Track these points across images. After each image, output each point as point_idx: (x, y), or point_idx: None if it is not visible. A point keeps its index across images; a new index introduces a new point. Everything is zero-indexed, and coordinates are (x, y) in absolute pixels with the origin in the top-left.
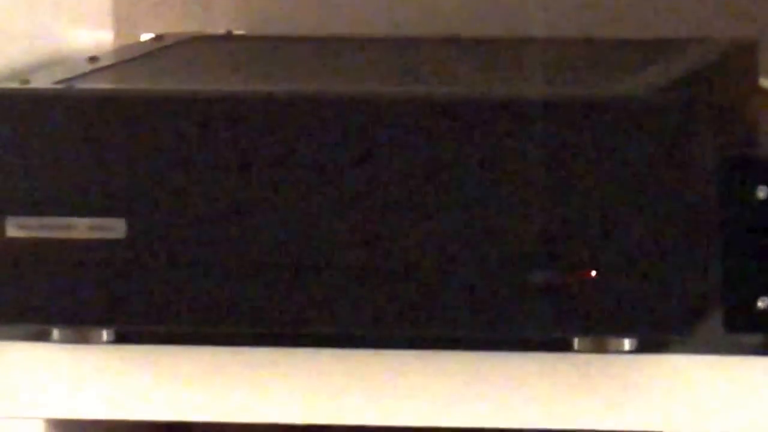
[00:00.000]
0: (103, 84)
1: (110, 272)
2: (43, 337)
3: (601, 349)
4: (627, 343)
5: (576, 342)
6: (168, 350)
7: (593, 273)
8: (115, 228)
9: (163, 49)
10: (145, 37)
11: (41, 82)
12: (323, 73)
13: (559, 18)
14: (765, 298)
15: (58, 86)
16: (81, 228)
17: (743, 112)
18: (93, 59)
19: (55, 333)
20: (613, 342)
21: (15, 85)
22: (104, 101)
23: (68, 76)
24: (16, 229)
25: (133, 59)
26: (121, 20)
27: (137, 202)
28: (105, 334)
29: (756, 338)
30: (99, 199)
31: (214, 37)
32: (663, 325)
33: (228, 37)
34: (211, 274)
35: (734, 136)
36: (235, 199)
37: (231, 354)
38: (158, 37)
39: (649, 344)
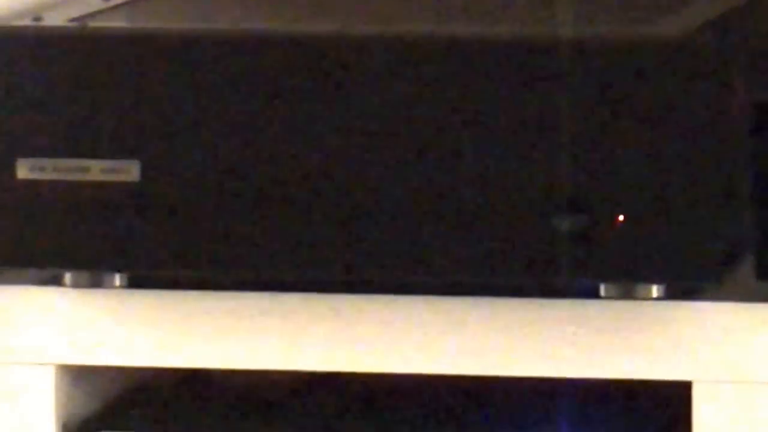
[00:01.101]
0: (117, 22)
1: (123, 216)
2: (54, 281)
3: (628, 295)
4: (655, 290)
5: (603, 288)
6: (182, 295)
7: (621, 218)
8: (128, 170)
9: None
10: None
11: (54, 20)
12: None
13: None
14: None
15: (72, 24)
16: (94, 170)
17: None
18: None
19: (67, 277)
20: (640, 288)
21: (27, 22)
22: (118, 40)
23: (82, 13)
24: (27, 171)
25: None
26: None
27: (151, 145)
28: (118, 279)
29: None
30: (112, 141)
31: None
32: (692, 271)
33: None
34: (225, 218)
35: None
36: (250, 142)
37: (246, 299)
38: None
39: (677, 291)
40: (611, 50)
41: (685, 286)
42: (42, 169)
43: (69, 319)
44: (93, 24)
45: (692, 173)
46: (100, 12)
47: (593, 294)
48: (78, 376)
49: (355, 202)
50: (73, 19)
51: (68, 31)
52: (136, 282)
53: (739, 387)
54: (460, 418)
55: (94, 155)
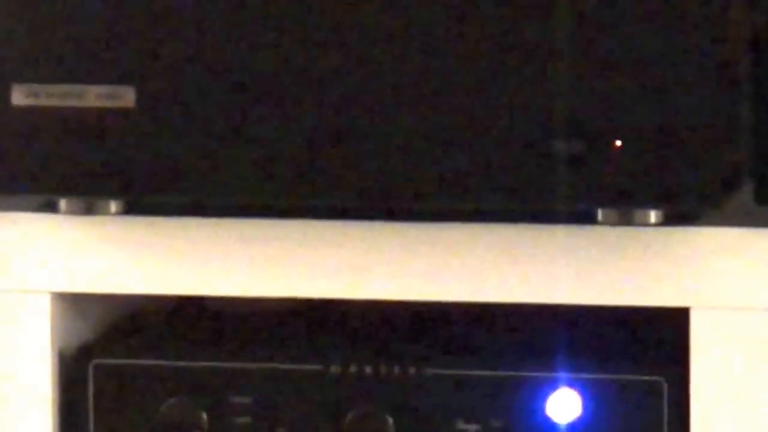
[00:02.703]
0: None
1: (118, 141)
2: (49, 208)
3: (625, 221)
4: (653, 215)
5: (600, 214)
6: (178, 222)
7: (618, 143)
8: (124, 96)
9: None
10: None
11: None
12: None
13: None
14: None
15: None
16: (89, 96)
17: None
18: None
19: (62, 204)
20: (638, 214)
21: None
22: None
23: None
24: (21, 96)
25: None
26: None
27: (147, 70)
28: (113, 205)
29: None
30: (108, 66)
31: None
32: (690, 196)
33: None
34: (220, 144)
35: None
36: (247, 66)
37: (242, 226)
38: None
39: (675, 216)
40: None
41: (684, 211)
42: (37, 94)
43: (64, 247)
44: None
45: (690, 97)
46: None
47: (591, 220)
48: (73, 303)
49: (350, 127)
50: None
51: None
52: (131, 208)
53: (736, 313)
54: (456, 345)
55: (89, 81)
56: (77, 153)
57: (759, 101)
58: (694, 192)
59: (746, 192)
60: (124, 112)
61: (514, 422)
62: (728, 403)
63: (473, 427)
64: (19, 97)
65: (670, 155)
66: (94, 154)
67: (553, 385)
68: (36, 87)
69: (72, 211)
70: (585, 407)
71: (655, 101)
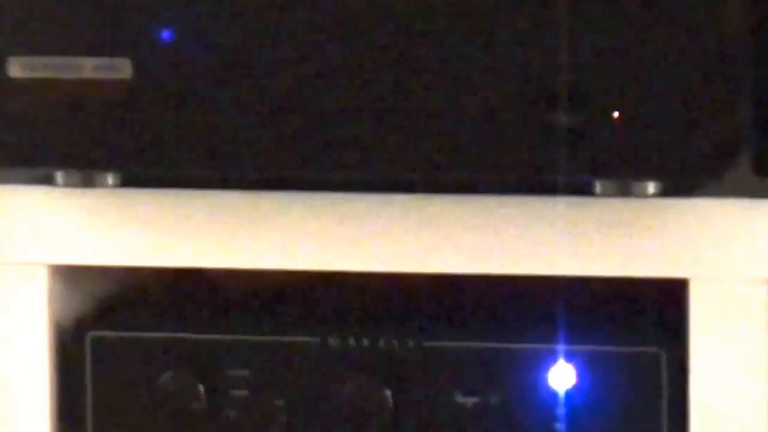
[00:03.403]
0: None
1: (115, 114)
2: (46, 181)
3: (624, 192)
4: (651, 187)
5: (598, 185)
6: (175, 194)
7: (617, 114)
8: (121, 68)
9: None
10: None
11: None
12: None
13: None
14: None
15: None
16: (86, 68)
17: None
18: None
19: (59, 176)
20: (636, 185)
21: None
22: None
23: None
24: (18, 69)
25: None
26: None
27: (144, 42)
28: (110, 178)
29: None
30: (104, 38)
31: None
32: (689, 167)
33: None
34: (218, 116)
35: None
36: (243, 38)
37: (239, 198)
38: None
39: (674, 188)
40: None
41: (682, 183)
42: (33, 67)
43: (61, 219)
44: None
45: (690, 68)
46: None
47: (589, 192)
48: (70, 276)
49: (347, 99)
50: None
51: None
52: (128, 181)
53: (735, 284)
54: (454, 318)
55: (86, 53)
56: (74, 126)
57: (758, 72)
58: (692, 163)
59: (745, 163)
60: (121, 84)
61: (513, 395)
62: (727, 374)
63: (471, 399)
64: (15, 69)
65: (669, 127)
66: (91, 126)
67: (551, 358)
68: (33, 59)
69: (69, 184)
70: (584, 379)
71: (654, 73)
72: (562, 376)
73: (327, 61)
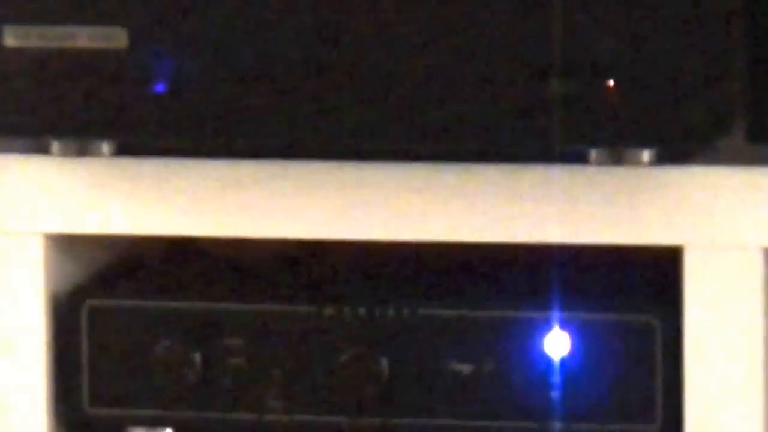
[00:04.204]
0: None
1: (110, 83)
2: (42, 150)
3: (618, 160)
4: (645, 155)
5: (592, 153)
6: (171, 163)
7: (611, 82)
8: (116, 37)
9: None
10: None
11: None
12: None
13: None
14: None
15: None
16: (81, 37)
17: None
18: None
19: (55, 146)
20: (630, 153)
21: None
22: None
23: None
24: (14, 38)
25: None
26: None
27: (139, 10)
28: (105, 147)
29: None
30: (100, 7)
31: None
32: (683, 135)
33: None
34: (212, 84)
35: None
36: (239, 6)
37: (235, 167)
38: None
39: (668, 155)
40: None
41: (676, 150)
42: (28, 36)
43: (57, 188)
44: None
45: (683, 35)
46: None
47: (583, 160)
48: (66, 245)
49: (348, 68)
50: None
51: None
52: (123, 150)
53: (730, 251)
54: (449, 286)
55: (81, 22)
56: (69, 95)
57: (752, 39)
58: (686, 131)
59: (739, 131)
60: (116, 53)
61: (508, 362)
62: (721, 341)
63: (467, 367)
64: (10, 38)
65: (663, 95)
66: (86, 95)
67: (546, 326)
68: (28, 29)
69: (64, 153)
70: (578, 347)
71: (648, 41)
72: (556, 344)
73: (322, 29)
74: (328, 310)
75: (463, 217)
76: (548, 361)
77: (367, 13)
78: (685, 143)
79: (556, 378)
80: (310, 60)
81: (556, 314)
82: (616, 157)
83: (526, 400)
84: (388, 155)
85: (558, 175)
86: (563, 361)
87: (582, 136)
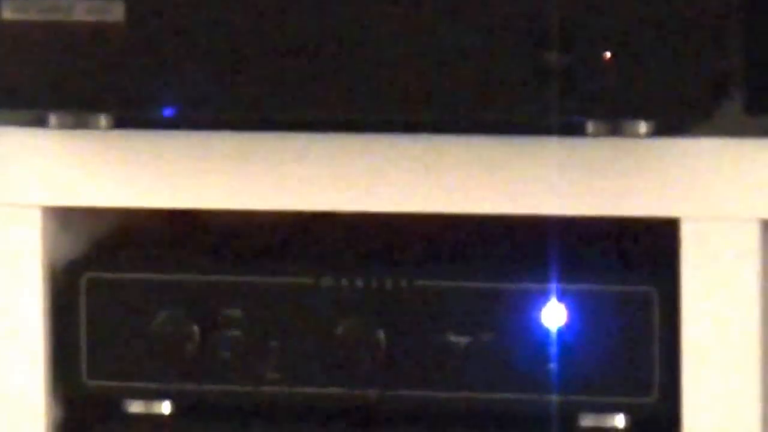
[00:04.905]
0: None
1: (108, 55)
2: (39, 122)
3: (615, 132)
4: (642, 126)
5: (590, 125)
6: (168, 135)
7: (608, 54)
8: (113, 10)
9: None
10: None
11: None
12: None
13: None
14: None
15: None
16: (78, 10)
17: None
18: None
19: (52, 119)
20: (628, 125)
21: None
22: None
23: None
24: (12, 11)
25: None
26: None
27: None
28: (103, 120)
29: None
30: None
31: None
32: (680, 106)
33: None
34: (209, 56)
35: None
36: None
37: (233, 139)
38: None
39: (665, 127)
40: None
41: (673, 122)
42: (26, 9)
43: (55, 161)
44: None
45: (680, 7)
46: None
47: (581, 131)
48: (64, 217)
49: (344, 39)
50: None
51: None
52: (121, 122)
53: (726, 223)
54: (446, 258)
55: None
56: (67, 67)
57: (749, 11)
58: (683, 103)
59: (736, 102)
60: (113, 26)
61: (505, 334)
62: (718, 312)
63: (464, 339)
64: (8, 11)
65: (660, 66)
66: (83, 68)
67: (543, 297)
68: (25, 1)
69: (62, 126)
70: (576, 319)
71: (645, 12)
72: (554, 315)
73: (326, 2)
74: (326, 282)
75: (460, 189)
76: (545, 333)
77: None
78: (682, 115)
79: (554, 349)
80: (307, 31)
81: (553, 285)
82: (613, 129)
83: (523, 372)
84: (386, 127)
85: (555, 146)
86: (560, 333)
87: (579, 108)
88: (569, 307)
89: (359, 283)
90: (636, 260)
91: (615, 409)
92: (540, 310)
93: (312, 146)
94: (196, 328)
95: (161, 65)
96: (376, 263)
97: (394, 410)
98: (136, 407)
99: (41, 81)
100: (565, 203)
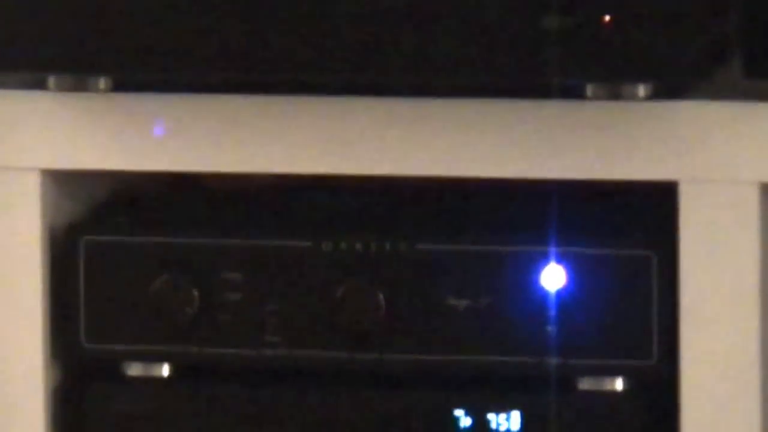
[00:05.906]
0: None
1: (107, 18)
2: (38, 85)
3: (614, 95)
4: (641, 89)
5: (589, 88)
6: (168, 98)
7: (607, 17)
8: None
9: None
10: None
11: None
12: None
13: None
14: None
15: None
16: None
17: None
18: None
19: (51, 81)
20: (626, 88)
21: None
22: None
23: None
24: None
25: None
26: None
27: None
28: (102, 82)
29: None
30: None
31: None
32: (679, 69)
33: None
34: (209, 19)
35: None
36: None
37: (233, 102)
38: None
39: (664, 90)
40: None
41: (672, 85)
42: None
43: (54, 124)
44: None
45: None
46: None
47: (580, 95)
48: (64, 180)
49: (342, 2)
50: None
51: None
52: (120, 85)
53: (725, 186)
54: (446, 221)
55: None
56: (66, 30)
57: None
58: (682, 66)
59: (735, 66)
60: None
61: (504, 297)
62: (717, 275)
63: (463, 302)
64: None
65: (659, 29)
66: (82, 30)
67: (542, 260)
68: None
69: (61, 88)
70: (575, 282)
71: None
72: (553, 278)
73: None
74: (326, 245)
75: (459, 152)
76: (545, 296)
77: None
78: (681, 78)
79: (552, 312)
80: None
81: (552, 248)
82: (613, 92)
83: (522, 335)
84: (386, 90)
85: (554, 110)
86: (559, 296)
87: (578, 71)
88: (568, 270)
89: (359, 246)
90: (635, 223)
91: (613, 372)
92: (539, 273)
93: (312, 109)
94: (195, 292)
95: (159, 27)
96: (375, 226)
97: (393, 373)
98: (134, 370)
99: (40, 43)
100: (565, 166)
